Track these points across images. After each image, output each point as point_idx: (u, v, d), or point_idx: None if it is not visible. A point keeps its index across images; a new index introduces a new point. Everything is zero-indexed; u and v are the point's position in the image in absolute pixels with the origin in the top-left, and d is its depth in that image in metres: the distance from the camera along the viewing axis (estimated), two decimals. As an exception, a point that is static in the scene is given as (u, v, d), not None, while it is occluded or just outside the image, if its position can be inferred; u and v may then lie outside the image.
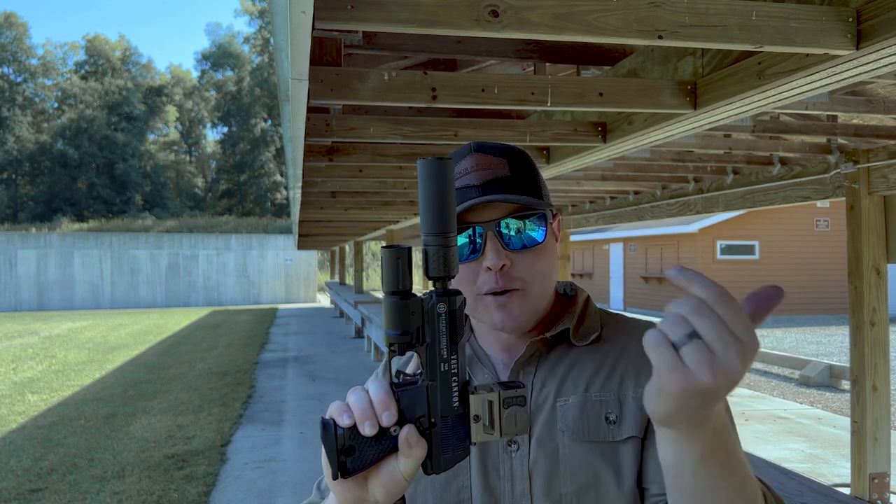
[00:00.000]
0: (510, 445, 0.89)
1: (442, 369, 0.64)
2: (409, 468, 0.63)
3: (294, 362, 11.33)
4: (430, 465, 0.65)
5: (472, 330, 0.99)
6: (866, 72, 1.86)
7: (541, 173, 0.95)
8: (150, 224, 34.21)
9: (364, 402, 0.64)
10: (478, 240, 0.88)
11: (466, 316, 0.98)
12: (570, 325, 0.94)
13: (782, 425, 6.80)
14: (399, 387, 0.65)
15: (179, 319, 20.43)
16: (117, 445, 6.23)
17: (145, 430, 6.77)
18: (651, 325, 0.95)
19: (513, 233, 0.89)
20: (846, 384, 8.67)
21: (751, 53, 2.03)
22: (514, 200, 0.87)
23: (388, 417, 0.62)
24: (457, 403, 0.65)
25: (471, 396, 0.65)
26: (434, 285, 0.65)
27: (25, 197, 47.39)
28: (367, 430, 0.62)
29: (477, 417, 0.65)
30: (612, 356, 0.92)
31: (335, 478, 0.63)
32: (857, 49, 1.68)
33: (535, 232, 0.90)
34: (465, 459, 0.85)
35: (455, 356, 0.64)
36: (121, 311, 25.21)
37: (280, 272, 28.44)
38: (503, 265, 0.87)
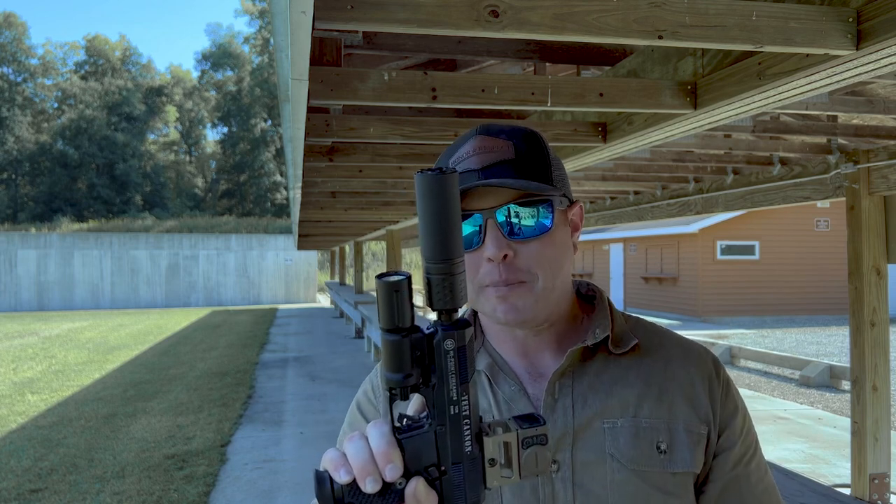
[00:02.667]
0: (550, 466, 0.84)
1: (452, 412, 0.57)
2: None
3: (294, 362, 11.33)
4: None
5: (482, 332, 0.93)
6: (866, 72, 1.86)
7: (556, 158, 0.87)
8: (150, 224, 34.21)
9: (364, 455, 0.56)
10: (477, 229, 0.81)
11: (475, 315, 0.95)
12: (608, 332, 0.87)
13: (782, 426, 6.80)
14: (403, 433, 0.58)
15: (179, 320, 20.43)
16: (117, 445, 6.23)
17: (145, 431, 6.77)
18: (681, 339, 0.93)
19: (516, 220, 0.81)
20: (846, 384, 8.67)
21: (751, 53, 2.03)
22: (512, 185, 0.78)
23: (391, 471, 0.56)
24: (469, 448, 0.58)
25: (485, 439, 0.58)
26: (439, 317, 0.58)
27: (25, 197, 47.39)
28: (370, 486, 0.55)
29: (493, 461, 0.58)
30: (656, 375, 0.86)
31: None
32: (857, 49, 1.68)
33: (542, 220, 0.82)
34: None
35: (466, 396, 0.57)
36: (121, 311, 25.21)
37: (280, 272, 28.44)
38: (505, 255, 0.80)
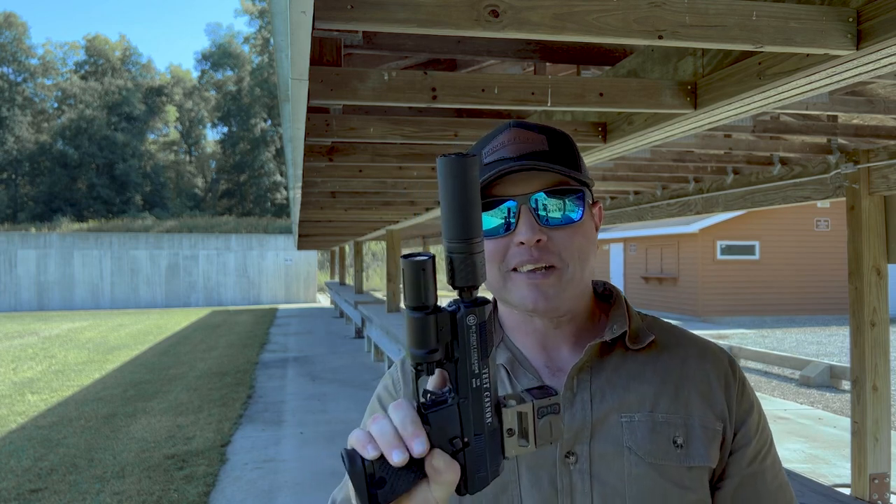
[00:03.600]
0: (568, 457, 0.83)
1: (474, 385, 0.60)
2: (443, 493, 0.59)
3: (294, 362, 11.33)
4: (465, 486, 0.61)
5: (501, 327, 0.94)
6: (866, 72, 1.86)
7: (582, 157, 0.90)
8: (150, 224, 34.21)
9: (389, 432, 0.59)
10: (510, 215, 0.83)
11: (494, 305, 0.95)
12: (626, 328, 0.88)
13: (783, 425, 6.80)
14: (428, 408, 0.60)
15: (179, 320, 20.43)
16: (117, 445, 6.23)
17: (145, 431, 6.77)
18: (697, 338, 0.94)
19: (548, 208, 0.83)
20: (846, 384, 8.67)
21: (751, 53, 2.03)
22: (550, 169, 0.81)
23: (419, 446, 0.58)
24: (490, 419, 0.61)
25: (504, 410, 0.61)
26: (461, 295, 0.60)
27: (25, 197, 47.39)
28: (396, 457, 0.57)
29: (511, 431, 0.61)
30: (673, 372, 0.88)
31: None
32: (858, 49, 1.68)
33: (572, 211, 0.84)
34: (514, 473, 0.84)
35: (487, 370, 0.60)
36: (121, 311, 25.21)
37: (280, 272, 28.44)
38: (538, 240, 0.81)
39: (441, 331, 0.59)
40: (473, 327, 0.59)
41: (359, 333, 14.42)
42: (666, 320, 0.97)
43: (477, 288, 0.60)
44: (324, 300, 28.87)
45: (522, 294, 0.83)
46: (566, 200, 0.83)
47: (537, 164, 0.81)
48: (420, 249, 28.07)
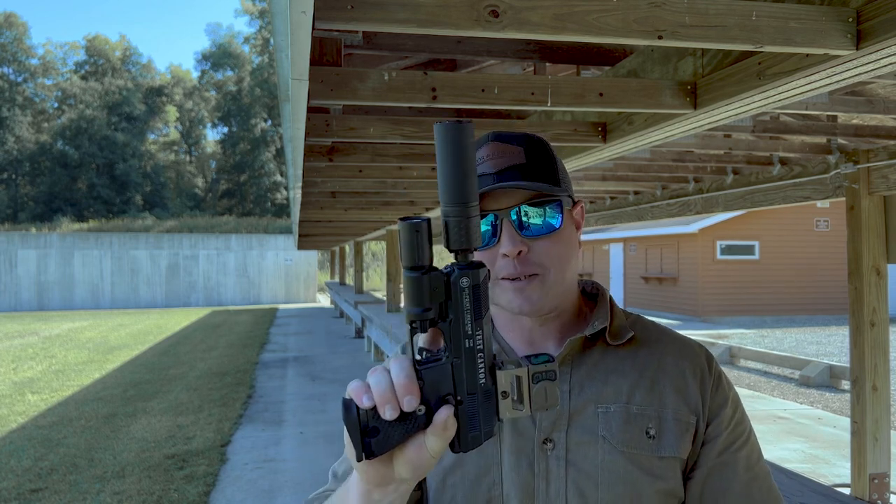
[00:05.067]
0: (546, 444, 0.88)
1: (467, 346, 0.61)
2: (438, 447, 0.62)
3: (294, 362, 11.33)
4: (458, 443, 0.62)
5: (492, 323, 0.98)
6: (866, 72, 1.86)
7: (560, 161, 0.96)
8: (150, 224, 34.22)
9: (384, 385, 0.61)
10: (493, 228, 0.89)
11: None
12: (607, 324, 0.94)
13: (782, 425, 6.80)
14: (422, 364, 0.62)
15: (179, 319, 20.43)
16: (117, 445, 6.23)
17: (145, 431, 6.77)
18: (678, 335, 0.99)
19: (528, 219, 0.89)
20: (846, 384, 8.67)
21: (751, 53, 2.03)
22: (527, 187, 0.87)
23: (409, 402, 0.60)
24: (484, 380, 0.62)
25: (498, 372, 0.62)
26: (456, 258, 0.62)
27: (25, 197, 47.39)
28: (388, 414, 0.60)
29: (505, 393, 0.62)
30: (650, 367, 0.93)
31: (359, 459, 0.62)
32: (857, 49, 1.68)
33: (552, 219, 0.89)
34: (497, 456, 0.88)
35: (480, 331, 0.62)
36: (121, 311, 25.21)
37: (280, 272, 28.44)
38: (520, 251, 0.87)
39: (435, 290, 0.60)
40: (467, 289, 0.61)
41: (359, 333, 14.42)
42: (650, 318, 1.01)
43: (471, 251, 0.62)
44: (324, 300, 28.87)
45: (509, 298, 0.89)
46: (546, 208, 0.90)
47: (518, 184, 0.86)
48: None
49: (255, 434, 6.59)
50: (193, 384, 9.37)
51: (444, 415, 0.60)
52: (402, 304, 13.97)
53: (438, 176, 0.61)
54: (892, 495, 4.08)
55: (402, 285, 0.55)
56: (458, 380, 0.62)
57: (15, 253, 25.69)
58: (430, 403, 0.61)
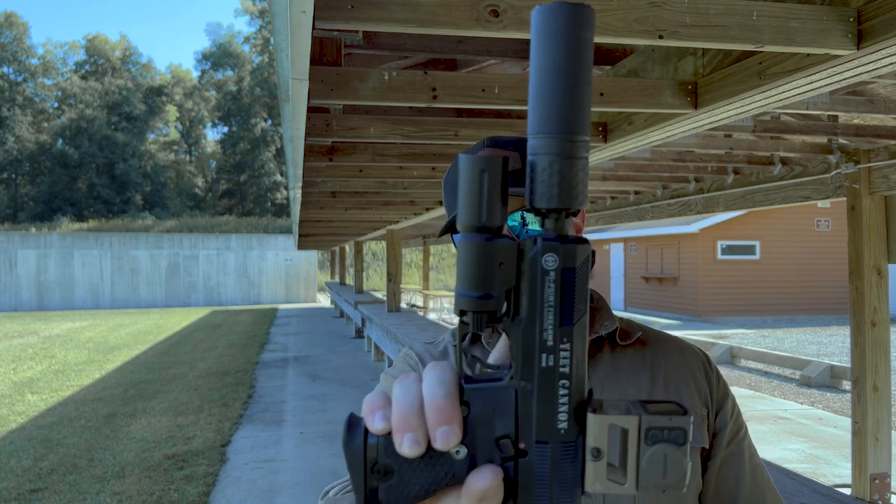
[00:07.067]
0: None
1: (543, 364, 0.38)
2: None
3: (294, 362, 11.33)
4: None
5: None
6: (867, 72, 1.86)
7: None
8: (150, 224, 34.22)
9: (411, 404, 0.38)
10: None
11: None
12: (617, 325, 0.95)
13: (783, 426, 6.80)
14: (472, 382, 0.39)
15: (179, 319, 20.44)
16: (117, 445, 6.23)
17: (145, 431, 6.77)
18: (674, 336, 1.02)
19: (527, 221, 0.89)
20: (847, 384, 8.67)
21: (751, 53, 2.03)
22: (517, 193, 0.86)
23: (444, 435, 0.37)
24: (565, 424, 0.38)
25: (590, 416, 0.38)
26: (543, 223, 0.39)
27: (25, 197, 47.40)
28: (407, 447, 0.37)
29: (598, 452, 0.38)
30: (658, 365, 0.95)
31: None
32: (858, 49, 1.68)
33: None
34: None
35: (569, 344, 0.38)
36: (121, 311, 25.21)
37: (280, 272, 28.44)
38: None
39: (503, 266, 0.38)
40: (552, 273, 0.37)
41: (359, 333, 14.42)
42: (636, 321, 1.05)
43: (572, 214, 0.38)
44: (324, 300, 28.87)
45: None
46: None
47: (515, 190, 0.86)
48: (421, 248, 27.92)
49: (255, 434, 6.59)
50: (193, 384, 9.37)
51: (488, 476, 0.37)
52: (402, 305, 13.89)
53: (531, 86, 0.38)
54: (892, 496, 4.07)
55: (457, 255, 0.34)
56: (524, 416, 0.38)
57: (15, 253, 25.70)
58: (475, 445, 0.39)
